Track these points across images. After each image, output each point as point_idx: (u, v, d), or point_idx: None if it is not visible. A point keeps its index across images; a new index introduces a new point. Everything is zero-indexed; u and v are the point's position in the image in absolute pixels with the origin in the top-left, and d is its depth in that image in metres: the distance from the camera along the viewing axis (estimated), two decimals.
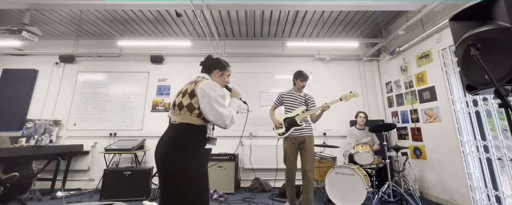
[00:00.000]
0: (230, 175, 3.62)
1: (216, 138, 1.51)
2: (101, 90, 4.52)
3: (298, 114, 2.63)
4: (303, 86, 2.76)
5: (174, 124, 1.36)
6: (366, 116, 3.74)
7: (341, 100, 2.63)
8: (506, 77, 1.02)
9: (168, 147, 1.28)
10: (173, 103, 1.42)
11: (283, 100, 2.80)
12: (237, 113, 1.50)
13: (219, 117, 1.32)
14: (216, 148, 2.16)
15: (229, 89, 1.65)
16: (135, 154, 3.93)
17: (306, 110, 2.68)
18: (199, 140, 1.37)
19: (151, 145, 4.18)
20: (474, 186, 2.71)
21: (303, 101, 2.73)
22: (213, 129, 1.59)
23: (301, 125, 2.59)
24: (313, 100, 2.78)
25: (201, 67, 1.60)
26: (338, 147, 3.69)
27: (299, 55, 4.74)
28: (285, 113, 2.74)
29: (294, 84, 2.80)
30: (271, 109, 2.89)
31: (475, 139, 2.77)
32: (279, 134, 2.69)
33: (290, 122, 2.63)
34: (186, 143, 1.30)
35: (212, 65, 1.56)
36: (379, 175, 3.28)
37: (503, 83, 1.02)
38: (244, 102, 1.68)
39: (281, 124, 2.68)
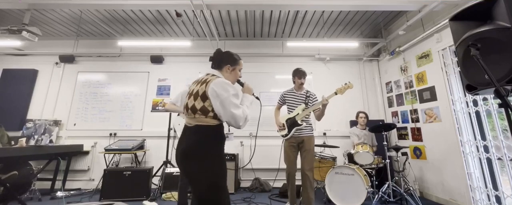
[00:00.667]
0: (230, 175, 3.62)
1: (232, 133, 1.51)
2: (101, 90, 4.52)
3: (298, 114, 2.62)
4: (302, 83, 2.72)
5: (190, 127, 1.33)
6: (366, 116, 3.74)
7: (336, 93, 2.56)
8: (506, 77, 1.02)
9: (189, 151, 1.28)
10: (186, 106, 1.37)
11: (285, 99, 2.79)
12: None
13: (232, 118, 1.29)
14: None
15: (242, 84, 1.58)
16: (135, 154, 3.94)
17: (306, 108, 2.65)
18: (218, 139, 1.35)
19: (151, 145, 4.18)
20: (474, 186, 2.70)
21: (304, 99, 2.70)
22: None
23: (301, 124, 2.57)
24: (315, 96, 2.74)
25: (211, 62, 1.51)
26: (338, 147, 3.69)
27: (299, 55, 4.74)
28: (288, 113, 2.74)
29: (293, 82, 2.79)
30: (275, 109, 2.89)
31: (475, 139, 2.77)
32: (282, 136, 2.69)
33: (291, 123, 2.63)
34: (206, 144, 1.29)
35: (223, 60, 1.48)
36: (379, 175, 3.28)
37: (503, 83, 1.02)
38: (257, 98, 1.58)
39: (283, 126, 2.69)
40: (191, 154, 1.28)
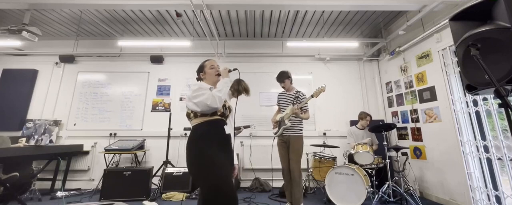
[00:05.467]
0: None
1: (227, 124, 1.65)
2: (101, 90, 4.52)
3: (286, 114, 2.73)
4: (284, 87, 2.87)
5: None
6: (371, 120, 3.72)
7: (312, 96, 2.69)
8: (506, 77, 1.02)
9: (186, 150, 1.50)
10: None
11: (278, 100, 2.94)
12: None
13: (201, 106, 1.45)
14: None
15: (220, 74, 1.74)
16: (135, 154, 3.93)
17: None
18: (205, 136, 1.49)
19: (151, 145, 4.18)
20: (474, 186, 2.70)
21: (292, 99, 2.79)
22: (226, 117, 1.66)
23: (287, 124, 2.67)
24: (304, 96, 2.80)
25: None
26: (338, 147, 3.69)
27: (299, 55, 4.74)
28: (281, 112, 2.86)
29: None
30: (276, 111, 3.03)
31: (475, 139, 2.77)
32: (274, 134, 2.83)
33: (280, 122, 2.76)
34: (193, 142, 1.48)
35: (198, 72, 1.73)
36: (379, 175, 3.27)
37: (503, 83, 1.02)
38: (234, 69, 1.75)
39: (276, 124, 2.83)
40: (186, 149, 1.48)
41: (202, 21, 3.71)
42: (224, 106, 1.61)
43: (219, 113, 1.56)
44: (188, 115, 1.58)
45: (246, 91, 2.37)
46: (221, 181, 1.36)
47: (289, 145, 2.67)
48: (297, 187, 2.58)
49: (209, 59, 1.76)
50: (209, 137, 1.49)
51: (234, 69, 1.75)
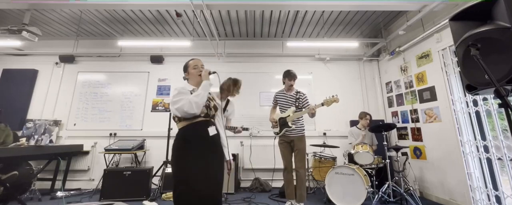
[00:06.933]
0: (230, 175, 3.62)
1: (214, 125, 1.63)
2: (101, 90, 4.52)
3: (289, 116, 2.71)
4: (291, 85, 2.81)
5: None
6: (371, 118, 3.71)
7: (323, 105, 2.62)
8: (506, 77, 1.02)
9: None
10: None
11: (277, 100, 2.91)
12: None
13: (180, 112, 1.46)
14: None
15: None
16: (135, 154, 3.93)
17: (296, 110, 2.72)
18: (181, 140, 1.52)
19: (151, 145, 4.18)
20: (474, 186, 2.70)
21: (294, 101, 2.77)
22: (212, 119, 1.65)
23: (291, 127, 2.66)
24: (305, 98, 2.78)
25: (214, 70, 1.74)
26: (338, 147, 3.69)
27: (299, 55, 4.74)
28: (281, 113, 2.84)
29: (283, 83, 2.88)
30: (271, 108, 3.01)
31: (475, 139, 2.77)
32: (275, 133, 2.82)
33: (282, 123, 2.74)
34: (173, 149, 1.52)
35: (184, 72, 1.72)
36: (379, 175, 3.27)
37: (503, 83, 1.02)
38: (213, 72, 1.65)
39: (276, 123, 2.79)
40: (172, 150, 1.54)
41: (202, 21, 3.71)
42: (208, 106, 1.58)
43: (202, 114, 1.54)
44: (173, 119, 1.60)
45: (234, 84, 2.21)
46: (185, 197, 1.42)
47: (294, 145, 2.68)
48: (303, 186, 2.62)
49: (194, 58, 1.71)
50: (189, 144, 1.49)
51: (213, 72, 1.64)
